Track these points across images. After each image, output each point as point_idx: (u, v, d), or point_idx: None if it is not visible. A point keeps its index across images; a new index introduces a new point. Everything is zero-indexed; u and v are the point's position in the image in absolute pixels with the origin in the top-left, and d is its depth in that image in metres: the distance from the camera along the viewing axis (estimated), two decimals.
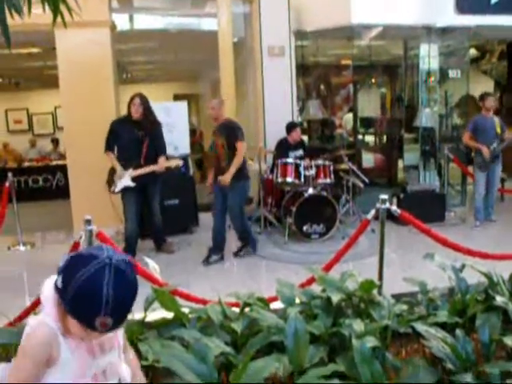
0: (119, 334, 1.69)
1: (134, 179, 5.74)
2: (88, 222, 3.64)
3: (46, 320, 1.51)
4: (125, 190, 5.77)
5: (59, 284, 1.46)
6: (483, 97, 7.00)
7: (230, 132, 5.70)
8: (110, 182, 5.85)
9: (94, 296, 1.39)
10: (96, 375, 1.59)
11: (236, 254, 6.02)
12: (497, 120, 6.89)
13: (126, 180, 5.74)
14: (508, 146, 6.84)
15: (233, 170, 5.60)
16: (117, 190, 5.78)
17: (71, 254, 1.52)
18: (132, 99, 5.79)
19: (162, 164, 5.82)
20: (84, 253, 1.51)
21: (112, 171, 5.85)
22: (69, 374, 1.53)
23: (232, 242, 6.21)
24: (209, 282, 5.15)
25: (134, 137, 5.78)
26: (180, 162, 6.12)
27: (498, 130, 6.79)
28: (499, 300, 2.92)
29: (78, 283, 1.40)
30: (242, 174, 5.75)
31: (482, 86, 11.88)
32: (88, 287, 1.40)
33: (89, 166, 6.76)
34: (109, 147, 5.86)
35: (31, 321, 1.55)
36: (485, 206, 7.06)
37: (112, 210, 5.92)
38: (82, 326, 1.44)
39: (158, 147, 5.90)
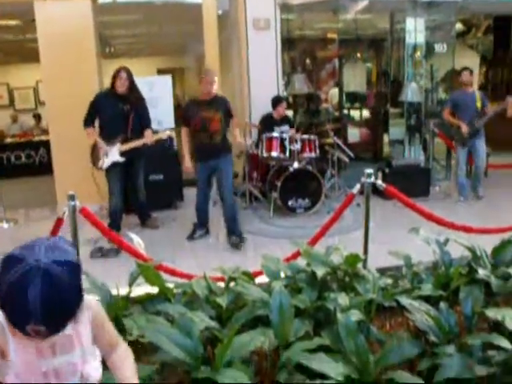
0: (84, 334, 1.54)
1: (122, 154, 5.67)
2: (71, 197, 3.60)
3: None
4: (111, 166, 5.70)
5: None
6: (460, 72, 7.00)
7: (227, 106, 5.59)
8: (95, 158, 5.76)
9: (20, 303, 1.27)
10: (46, 374, 1.48)
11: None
12: (478, 94, 6.86)
13: (114, 155, 5.67)
14: (492, 120, 6.83)
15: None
16: (105, 165, 5.70)
17: (6, 254, 1.36)
18: (118, 72, 5.65)
19: (151, 137, 5.76)
20: (15, 253, 1.34)
21: (95, 147, 5.76)
22: (15, 370, 1.44)
23: (219, 217, 6.19)
24: (194, 257, 5.16)
25: (119, 111, 5.68)
26: (169, 133, 6.08)
27: (479, 105, 6.77)
28: (482, 273, 2.95)
29: (4, 288, 1.29)
30: (230, 145, 5.72)
31: (468, 60, 11.84)
32: (13, 293, 1.28)
33: (72, 141, 6.67)
34: (90, 123, 5.75)
35: None
36: (472, 182, 7.07)
37: (95, 186, 5.87)
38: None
39: (143, 121, 5.83)
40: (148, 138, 5.74)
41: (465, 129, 6.73)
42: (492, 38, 11.80)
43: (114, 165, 5.70)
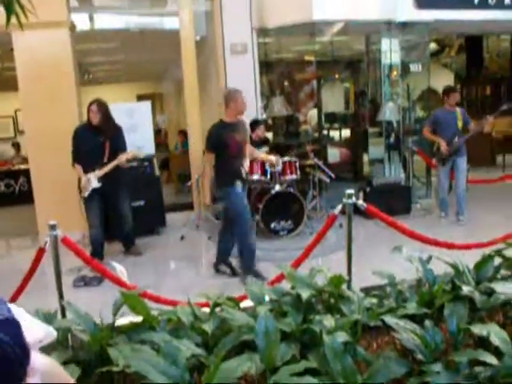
0: None
1: (99, 179, 5.68)
2: (53, 227, 3.57)
3: None
4: (89, 196, 5.70)
5: None
6: (448, 92, 6.90)
7: (246, 128, 5.42)
8: (82, 188, 5.77)
9: None
10: None
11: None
12: (459, 113, 6.84)
13: (93, 182, 5.68)
14: (471, 138, 6.88)
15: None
16: (86, 193, 5.71)
17: None
18: (89, 106, 5.76)
19: (121, 157, 5.75)
20: None
21: (80, 178, 5.79)
22: None
23: (202, 241, 6.18)
24: (178, 282, 5.12)
25: (95, 143, 5.73)
26: (137, 151, 6.11)
27: (460, 124, 6.78)
28: (465, 289, 2.97)
29: None
30: None
31: (442, 79, 12.11)
32: None
33: (52, 169, 6.64)
34: (76, 159, 5.79)
35: None
36: (456, 206, 6.95)
37: (79, 215, 5.83)
38: None
39: (119, 148, 5.84)
40: (119, 158, 5.74)
41: (444, 147, 6.73)
42: (465, 57, 12.05)
43: (92, 194, 5.68)
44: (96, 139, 5.72)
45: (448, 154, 6.79)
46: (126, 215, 6.06)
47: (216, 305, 2.97)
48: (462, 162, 6.88)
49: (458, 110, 6.92)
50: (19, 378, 1.04)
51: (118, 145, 5.85)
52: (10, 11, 2.48)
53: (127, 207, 6.08)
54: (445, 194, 7.09)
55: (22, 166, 10.74)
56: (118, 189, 5.92)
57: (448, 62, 13.03)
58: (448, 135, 6.77)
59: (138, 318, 2.84)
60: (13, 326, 1.06)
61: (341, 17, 7.54)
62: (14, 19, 2.58)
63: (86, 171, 5.71)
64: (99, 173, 5.67)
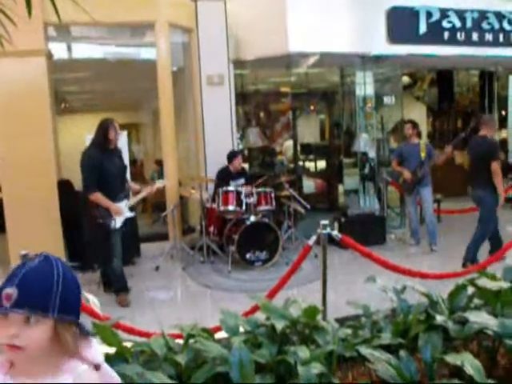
0: None
1: (131, 209, 5.50)
2: (24, 256, 3.50)
3: None
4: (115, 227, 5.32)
5: None
6: (414, 126, 7.32)
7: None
8: (104, 220, 5.24)
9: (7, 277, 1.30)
10: None
11: None
12: (423, 145, 7.18)
13: (125, 211, 5.39)
14: (440, 168, 7.11)
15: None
16: (118, 225, 5.30)
17: None
18: (109, 125, 5.28)
19: (157, 185, 5.71)
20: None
21: (97, 208, 5.23)
22: None
23: (177, 269, 6.10)
24: (153, 313, 5.05)
25: (119, 167, 5.41)
26: (165, 182, 6.18)
27: (423, 155, 7.06)
28: (439, 319, 2.98)
29: None
30: None
31: (415, 111, 12.37)
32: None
33: (25, 199, 6.53)
34: (95, 186, 5.19)
35: None
36: (428, 236, 7.10)
37: (52, 244, 5.73)
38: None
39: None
40: (149, 189, 5.67)
41: (407, 176, 7.06)
42: (436, 90, 12.33)
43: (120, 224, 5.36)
44: (117, 162, 5.38)
45: (411, 184, 7.07)
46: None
47: (190, 336, 2.93)
48: (427, 192, 7.16)
49: (423, 142, 7.28)
50: (52, 300, 1.28)
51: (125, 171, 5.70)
52: None
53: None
54: (414, 223, 7.34)
55: None
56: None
57: (420, 95, 13.32)
58: (411, 166, 7.09)
59: (111, 350, 2.78)
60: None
61: (316, 49, 7.69)
62: None
63: (111, 198, 5.23)
64: (130, 202, 5.48)
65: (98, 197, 5.18)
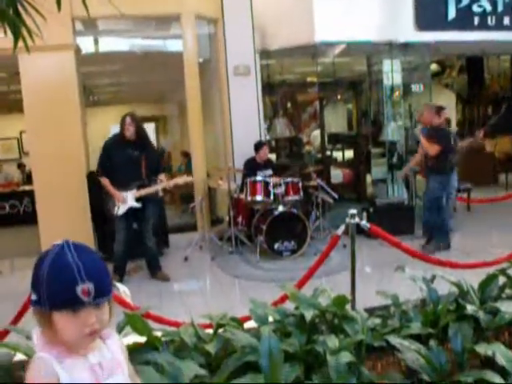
0: (122, 360, 1.60)
1: (137, 199, 5.70)
2: None
3: (40, 355, 1.42)
4: (123, 213, 5.72)
5: (33, 297, 1.40)
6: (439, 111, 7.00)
7: None
8: (109, 205, 5.78)
9: (64, 269, 1.35)
10: None
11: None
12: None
13: (130, 201, 5.68)
14: (467, 155, 6.92)
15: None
16: (120, 212, 5.71)
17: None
18: (123, 119, 5.74)
19: (168, 181, 5.82)
20: (40, 254, 1.46)
21: (106, 195, 5.79)
22: None
23: (207, 260, 6.15)
24: (182, 303, 5.10)
25: (129, 157, 5.71)
26: (189, 178, 6.15)
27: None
28: (470, 309, 2.95)
29: (45, 271, 1.36)
30: None
31: (444, 99, 12.17)
32: (56, 266, 1.36)
33: (56, 190, 6.66)
34: (105, 173, 5.79)
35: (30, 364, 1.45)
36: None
37: (84, 234, 5.85)
38: (68, 313, 1.36)
39: (154, 166, 5.88)
40: (166, 182, 5.80)
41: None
42: (466, 77, 12.12)
43: (126, 212, 5.71)
44: (129, 153, 5.71)
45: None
46: (151, 236, 5.95)
47: (219, 325, 2.96)
48: (454, 178, 6.89)
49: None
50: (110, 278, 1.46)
51: (153, 162, 5.89)
52: (17, 35, 2.51)
53: (151, 225, 5.95)
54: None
55: (27, 187, 10.78)
56: (151, 207, 5.90)
57: (449, 83, 13.11)
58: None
59: (142, 339, 2.83)
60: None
61: (342, 38, 7.62)
62: (20, 43, 2.61)
63: (119, 186, 5.69)
64: (138, 193, 5.68)
65: (105, 182, 5.77)
